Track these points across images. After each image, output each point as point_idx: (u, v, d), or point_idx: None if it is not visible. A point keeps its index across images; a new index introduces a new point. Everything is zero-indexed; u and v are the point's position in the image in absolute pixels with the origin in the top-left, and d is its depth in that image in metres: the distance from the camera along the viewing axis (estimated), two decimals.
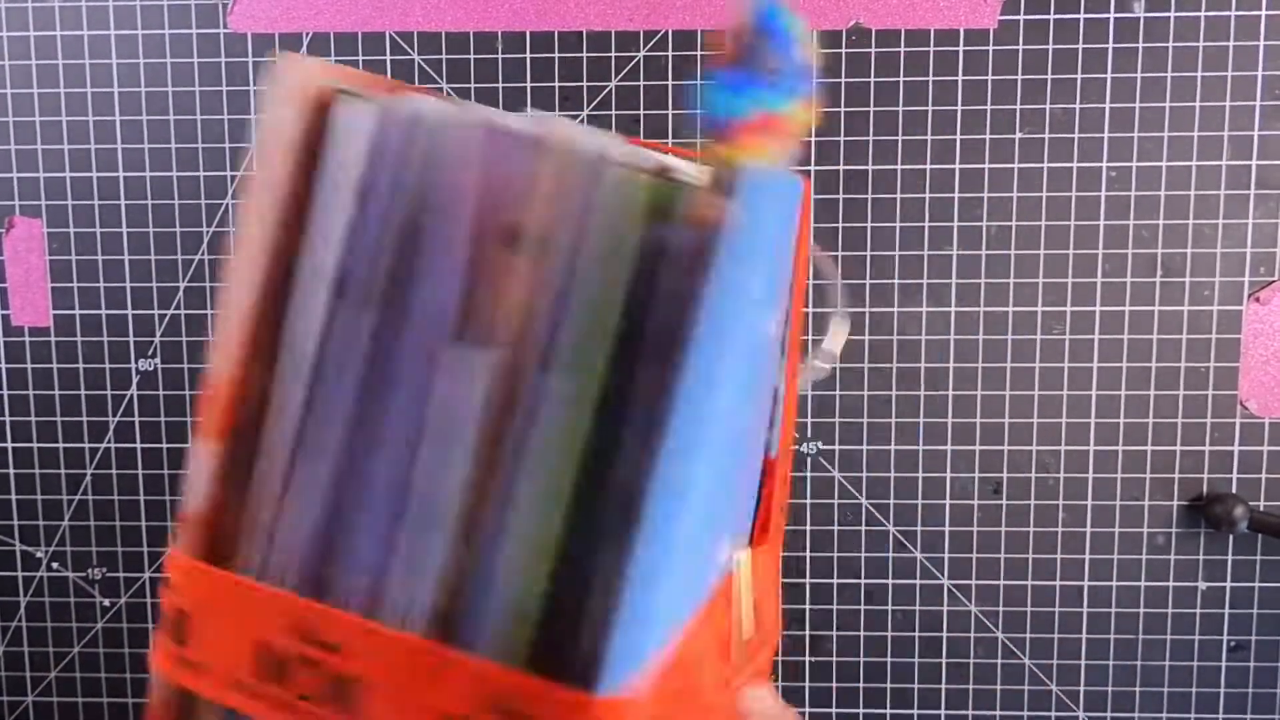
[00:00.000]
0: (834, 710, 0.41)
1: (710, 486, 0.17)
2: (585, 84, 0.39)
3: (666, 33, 0.39)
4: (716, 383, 0.16)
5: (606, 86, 0.39)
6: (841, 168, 0.39)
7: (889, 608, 0.41)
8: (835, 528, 0.41)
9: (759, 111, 0.17)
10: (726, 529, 0.20)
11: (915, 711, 0.41)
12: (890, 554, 0.41)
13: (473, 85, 0.39)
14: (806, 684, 0.41)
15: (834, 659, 0.41)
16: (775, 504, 0.22)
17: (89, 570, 0.42)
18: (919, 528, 0.41)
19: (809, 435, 0.40)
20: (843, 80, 0.39)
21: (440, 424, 0.18)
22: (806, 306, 0.30)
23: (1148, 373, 0.40)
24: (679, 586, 0.17)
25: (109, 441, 0.41)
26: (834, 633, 0.41)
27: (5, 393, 0.41)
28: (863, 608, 0.41)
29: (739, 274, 0.16)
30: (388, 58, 0.39)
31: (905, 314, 0.40)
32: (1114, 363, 0.40)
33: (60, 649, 0.43)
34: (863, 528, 0.41)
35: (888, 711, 0.41)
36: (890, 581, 0.41)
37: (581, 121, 0.39)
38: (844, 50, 0.39)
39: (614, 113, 0.39)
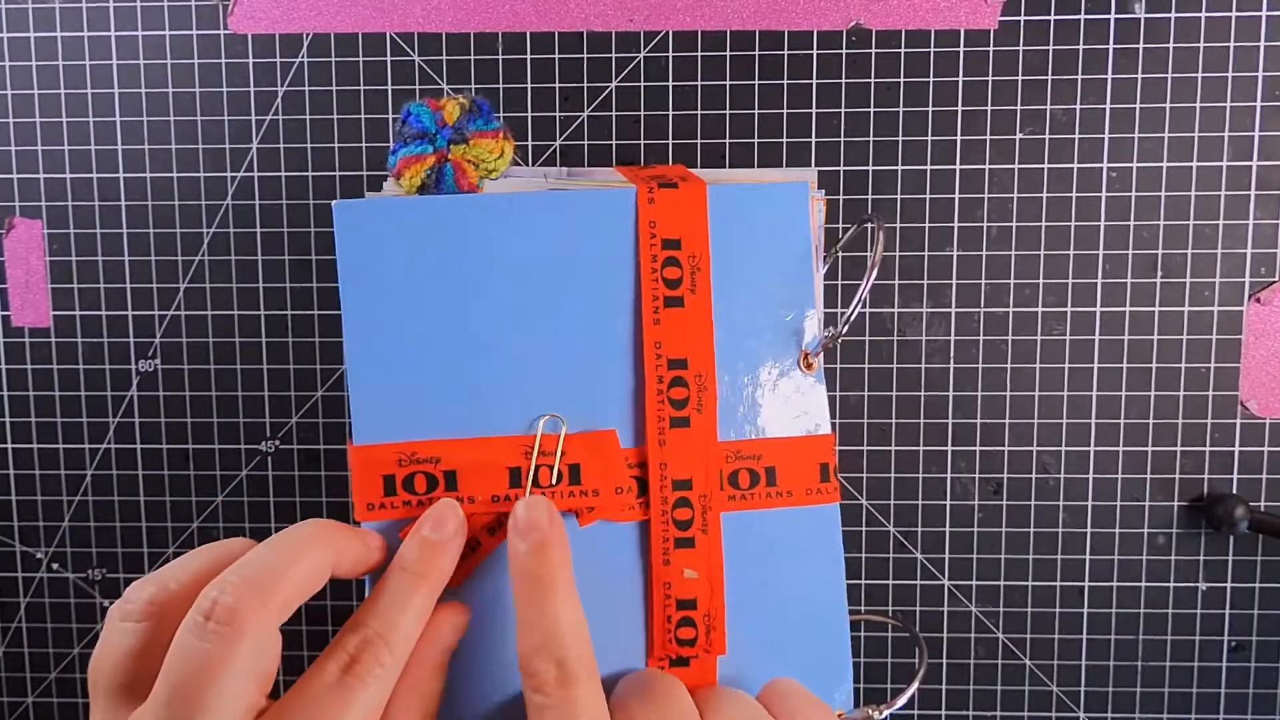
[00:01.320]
0: None
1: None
2: (585, 85, 0.39)
3: (667, 34, 0.39)
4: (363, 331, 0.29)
5: (607, 87, 0.39)
6: (842, 168, 0.39)
7: (889, 608, 0.41)
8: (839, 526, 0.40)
9: (401, 160, 0.29)
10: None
11: (915, 712, 0.41)
12: (890, 554, 0.41)
13: (473, 86, 0.39)
14: None
15: None
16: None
17: (89, 571, 0.42)
18: (919, 528, 0.41)
19: None
20: (843, 81, 0.39)
21: None
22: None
23: (1148, 373, 0.40)
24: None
25: (109, 442, 0.41)
26: None
27: (5, 393, 0.41)
28: (863, 608, 0.41)
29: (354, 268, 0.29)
30: (388, 58, 0.39)
31: (905, 314, 0.40)
32: (1114, 363, 0.40)
33: (60, 649, 0.43)
34: (863, 528, 0.41)
35: (898, 709, 0.41)
36: (890, 582, 0.41)
37: (582, 122, 0.39)
38: (844, 50, 0.39)
39: (614, 113, 0.39)
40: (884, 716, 0.32)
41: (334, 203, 0.29)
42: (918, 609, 0.41)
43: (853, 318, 0.29)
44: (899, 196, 0.39)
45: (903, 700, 0.31)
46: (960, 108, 0.39)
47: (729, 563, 0.30)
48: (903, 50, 0.39)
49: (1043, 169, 0.39)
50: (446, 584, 0.28)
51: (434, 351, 0.29)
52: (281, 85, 0.40)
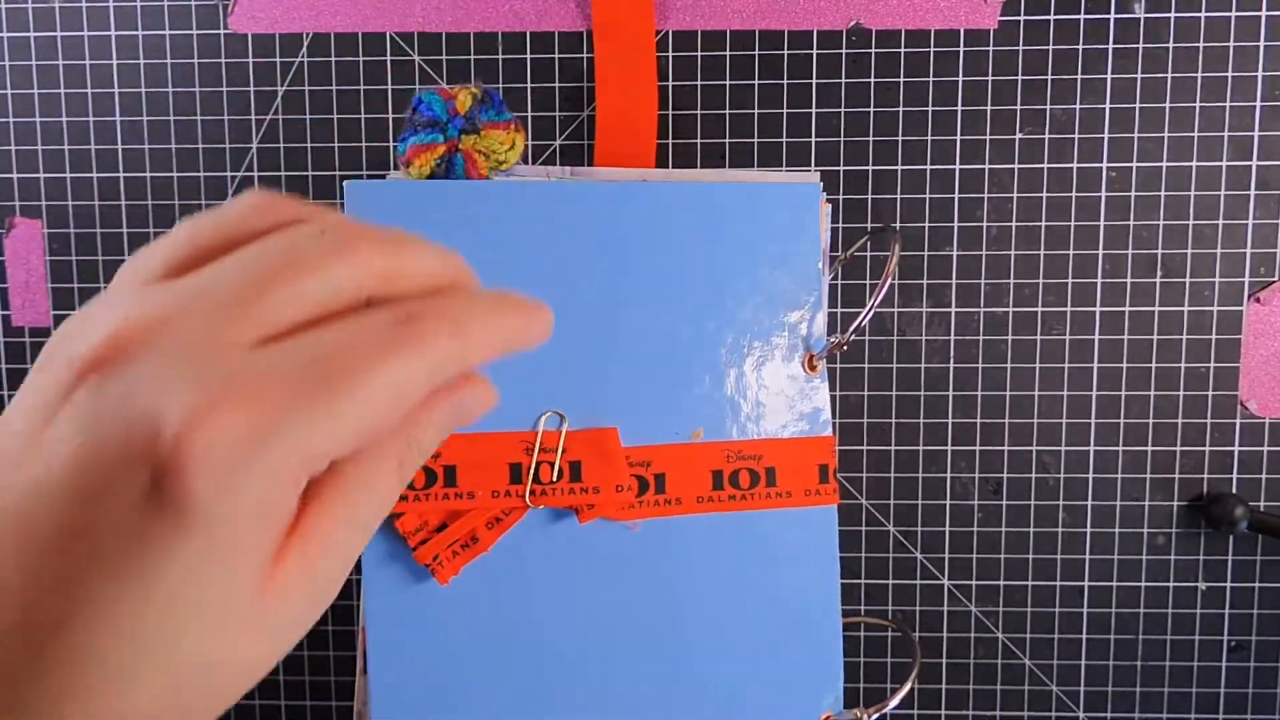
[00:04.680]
0: None
1: None
2: (585, 84, 0.39)
3: (667, 33, 0.39)
4: None
5: None
6: (842, 168, 0.39)
7: (889, 608, 0.41)
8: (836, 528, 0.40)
9: (411, 148, 0.29)
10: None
11: (915, 712, 0.41)
12: (890, 554, 0.41)
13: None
14: None
15: None
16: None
17: None
18: (919, 528, 0.41)
19: None
20: (843, 81, 0.39)
21: None
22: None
23: (1148, 373, 0.40)
24: None
25: None
26: None
27: (5, 393, 0.41)
28: (863, 608, 0.41)
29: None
30: (388, 58, 0.39)
31: (905, 314, 0.40)
32: (1114, 363, 0.40)
33: None
34: (863, 528, 0.41)
35: (888, 712, 0.41)
36: (890, 582, 0.41)
37: (581, 122, 0.39)
38: (844, 50, 0.39)
39: None
40: (873, 719, 0.32)
41: (347, 182, 0.29)
42: (917, 609, 0.41)
43: (862, 324, 0.29)
44: (899, 196, 0.39)
45: (894, 703, 0.31)
46: (960, 108, 0.39)
47: (726, 564, 0.30)
48: (903, 50, 0.39)
49: (1043, 169, 0.39)
50: (437, 579, 0.28)
51: None
52: (281, 85, 0.40)
